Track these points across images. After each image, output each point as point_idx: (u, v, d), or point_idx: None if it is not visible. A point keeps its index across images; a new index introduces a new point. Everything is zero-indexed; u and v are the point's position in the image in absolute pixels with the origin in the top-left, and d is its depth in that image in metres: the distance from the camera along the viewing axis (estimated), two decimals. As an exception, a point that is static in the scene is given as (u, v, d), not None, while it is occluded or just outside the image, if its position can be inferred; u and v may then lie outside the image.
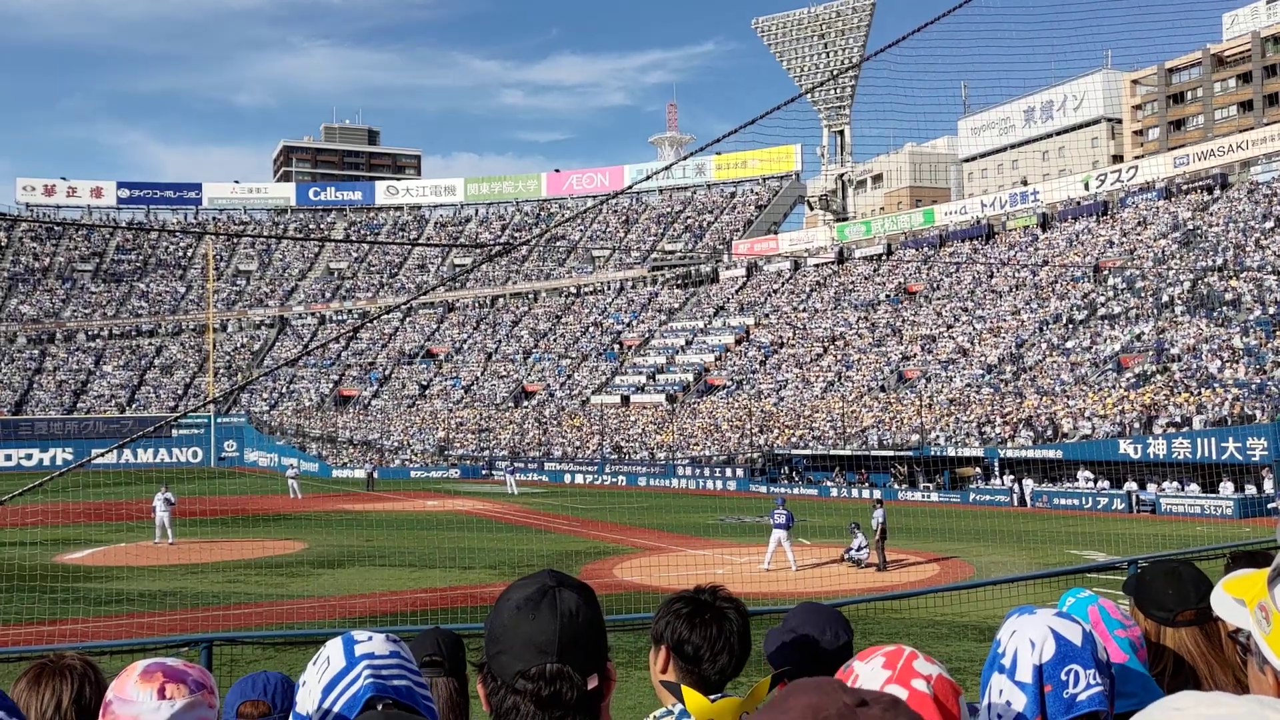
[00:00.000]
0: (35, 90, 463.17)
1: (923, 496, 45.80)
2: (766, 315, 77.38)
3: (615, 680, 1.87)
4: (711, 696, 2.39)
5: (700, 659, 2.44)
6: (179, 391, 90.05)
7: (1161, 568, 2.50)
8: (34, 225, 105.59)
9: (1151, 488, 39.47)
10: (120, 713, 1.92)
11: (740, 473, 54.60)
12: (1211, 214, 59.29)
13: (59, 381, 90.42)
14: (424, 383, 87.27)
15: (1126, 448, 40.64)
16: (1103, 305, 55.54)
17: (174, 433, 79.23)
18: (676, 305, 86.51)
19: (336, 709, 1.90)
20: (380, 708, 1.90)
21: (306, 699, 1.96)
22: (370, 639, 2.04)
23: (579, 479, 61.32)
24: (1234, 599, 1.71)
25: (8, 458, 76.66)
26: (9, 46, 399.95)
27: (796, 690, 1.25)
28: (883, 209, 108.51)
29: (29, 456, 77.16)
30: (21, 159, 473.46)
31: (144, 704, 1.92)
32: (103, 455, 5.28)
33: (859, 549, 25.14)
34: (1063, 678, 1.94)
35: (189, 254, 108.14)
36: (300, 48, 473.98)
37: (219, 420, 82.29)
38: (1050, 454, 43.44)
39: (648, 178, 23.05)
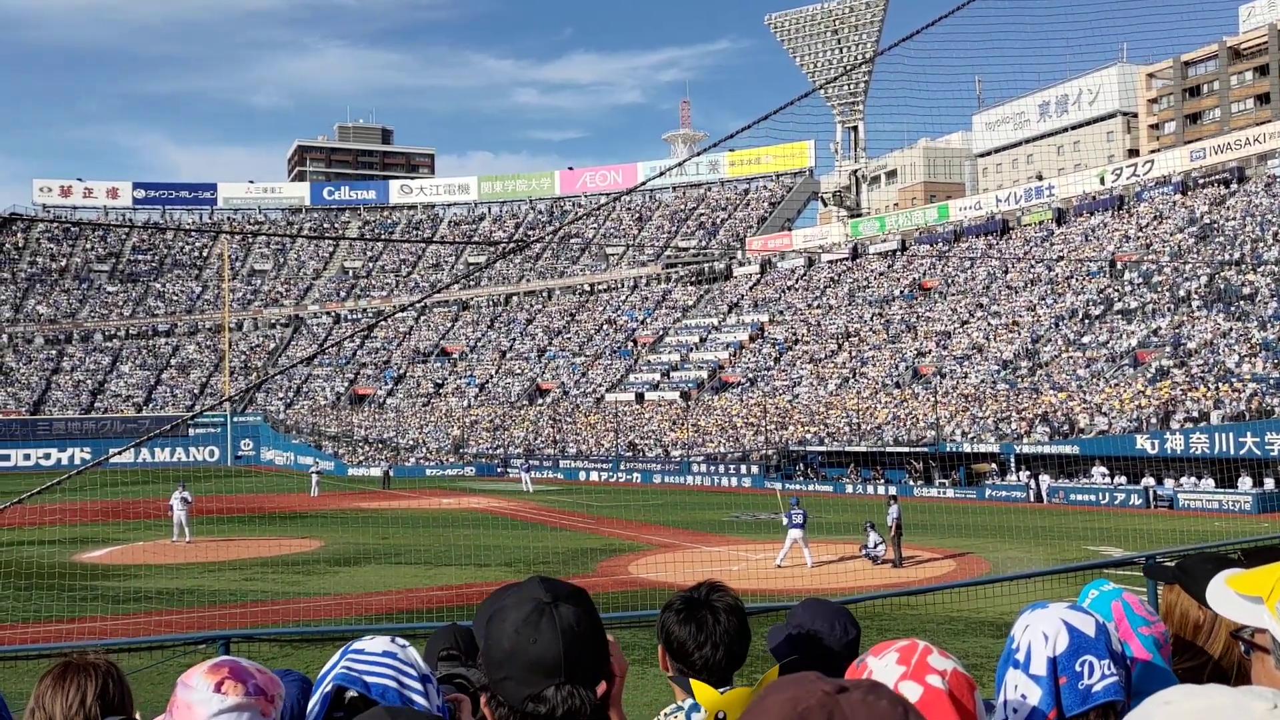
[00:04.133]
0: (52, 92, 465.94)
1: (938, 492, 45.67)
2: (781, 312, 77.27)
3: (621, 674, 1.87)
4: (721, 689, 2.41)
5: (687, 653, 2.47)
6: (195, 391, 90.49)
7: (1213, 557, 2.48)
8: (51, 226, 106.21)
9: (1169, 483, 39.27)
10: (180, 696, 2.06)
11: (755, 470, 54.53)
12: (1228, 208, 58.94)
13: (76, 381, 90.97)
14: (439, 381, 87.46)
15: (1143, 443, 40.44)
16: (1119, 300, 55.27)
17: (190, 432, 79.61)
18: (690, 302, 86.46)
19: (316, 696, 2.04)
20: (347, 699, 1.98)
21: None
22: (373, 639, 2.10)
23: (594, 476, 61.35)
24: (1245, 596, 1.69)
25: (26, 457, 77.17)
26: (26, 49, 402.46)
27: (775, 687, 1.26)
28: (897, 205, 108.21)
29: (47, 456, 77.67)
30: (38, 160, 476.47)
31: (199, 692, 2.03)
32: (120, 454, 5.31)
33: (875, 546, 25.10)
34: (1077, 669, 1.94)
35: (204, 254, 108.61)
36: (315, 49, 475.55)
37: (235, 419, 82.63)
38: (1066, 450, 43.26)
39: (661, 174, 23.02)
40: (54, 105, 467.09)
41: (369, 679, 1.99)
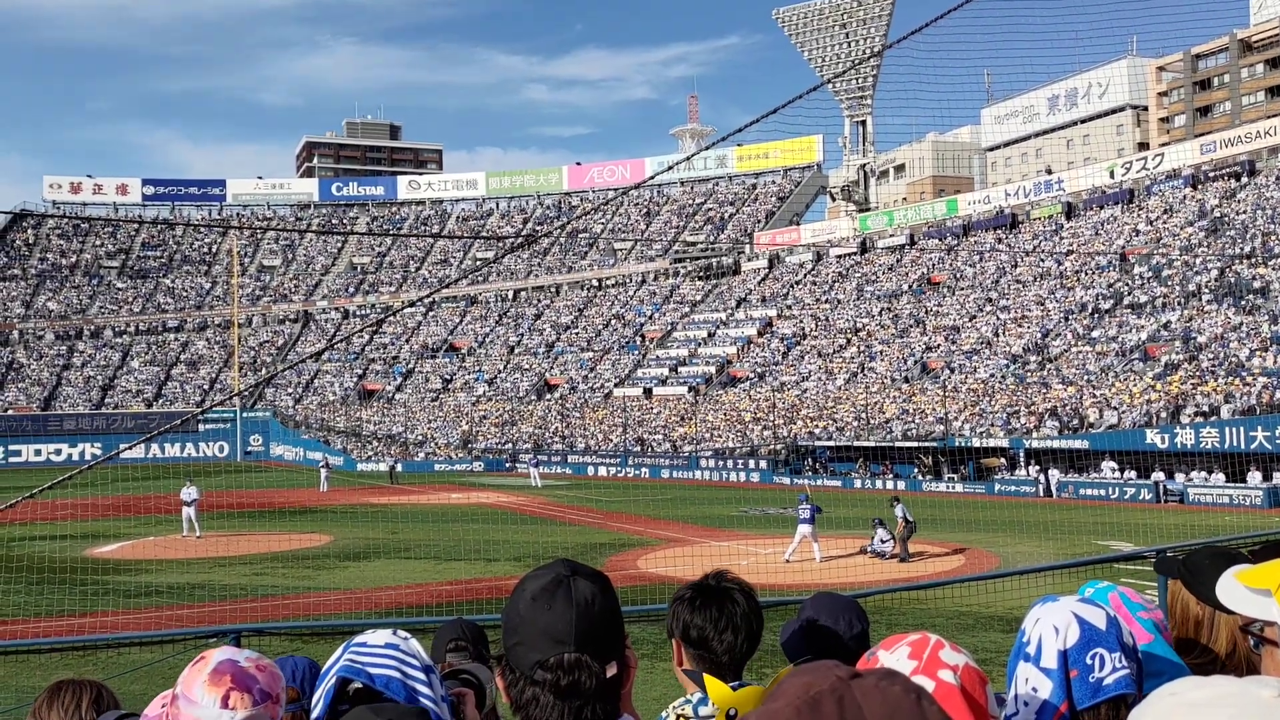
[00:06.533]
0: (63, 91, 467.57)
1: (947, 487, 45.61)
2: (789, 307, 77.18)
3: (635, 667, 1.88)
4: (733, 685, 2.40)
5: (707, 640, 2.45)
6: (205, 386, 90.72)
7: (1216, 553, 2.46)
8: (61, 222, 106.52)
9: (1179, 477, 39.15)
10: (185, 712, 1.99)
11: (763, 465, 54.51)
12: (1239, 201, 58.70)
13: (87, 377, 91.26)
14: (447, 376, 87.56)
15: (1153, 437, 40.32)
16: (1129, 294, 55.10)
17: (200, 427, 79.81)
18: (698, 297, 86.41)
19: (320, 690, 2.04)
20: (351, 691, 1.99)
21: None
22: (375, 633, 2.11)
23: (602, 471, 61.40)
24: (1252, 590, 1.69)
25: (37, 453, 77.47)
26: (37, 48, 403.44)
27: (791, 674, 1.27)
28: (905, 199, 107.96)
29: (58, 452, 77.96)
30: (49, 158, 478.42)
31: (206, 709, 1.97)
32: (130, 449, 5.32)
33: (882, 542, 25.07)
34: (1088, 662, 1.93)
35: (213, 250, 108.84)
36: (325, 46, 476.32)
37: (244, 415, 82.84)
38: (1076, 444, 43.15)
39: (668, 169, 23.02)
40: (65, 104, 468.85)
41: (373, 670, 2.01)
